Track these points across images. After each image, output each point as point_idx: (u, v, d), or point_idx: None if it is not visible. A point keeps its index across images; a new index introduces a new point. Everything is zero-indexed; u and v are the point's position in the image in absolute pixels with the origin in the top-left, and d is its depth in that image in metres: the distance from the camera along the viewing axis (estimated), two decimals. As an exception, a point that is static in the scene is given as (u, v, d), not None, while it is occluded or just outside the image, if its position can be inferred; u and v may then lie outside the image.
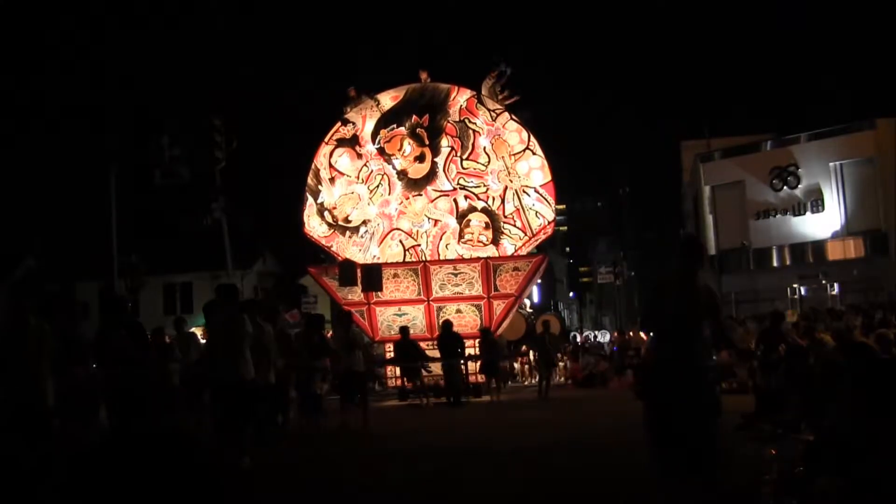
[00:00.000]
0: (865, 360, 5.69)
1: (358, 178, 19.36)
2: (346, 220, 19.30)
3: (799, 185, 28.33)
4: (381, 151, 19.34)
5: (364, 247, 19.12)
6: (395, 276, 18.24)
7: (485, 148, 18.87)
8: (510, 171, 18.71)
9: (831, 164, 27.81)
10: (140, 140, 21.21)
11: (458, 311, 18.25)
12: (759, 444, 6.48)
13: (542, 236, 18.95)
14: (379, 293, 18.18)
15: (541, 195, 18.54)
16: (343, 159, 19.51)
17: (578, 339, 29.39)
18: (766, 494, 4.72)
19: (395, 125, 19.35)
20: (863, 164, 27.50)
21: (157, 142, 20.05)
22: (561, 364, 22.99)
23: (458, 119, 19.10)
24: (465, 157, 18.95)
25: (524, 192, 18.57)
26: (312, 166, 19.47)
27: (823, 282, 27.76)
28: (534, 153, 18.71)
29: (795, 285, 28.66)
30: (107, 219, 21.19)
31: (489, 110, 18.96)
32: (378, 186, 19.25)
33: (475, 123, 19.00)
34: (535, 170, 18.67)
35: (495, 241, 18.64)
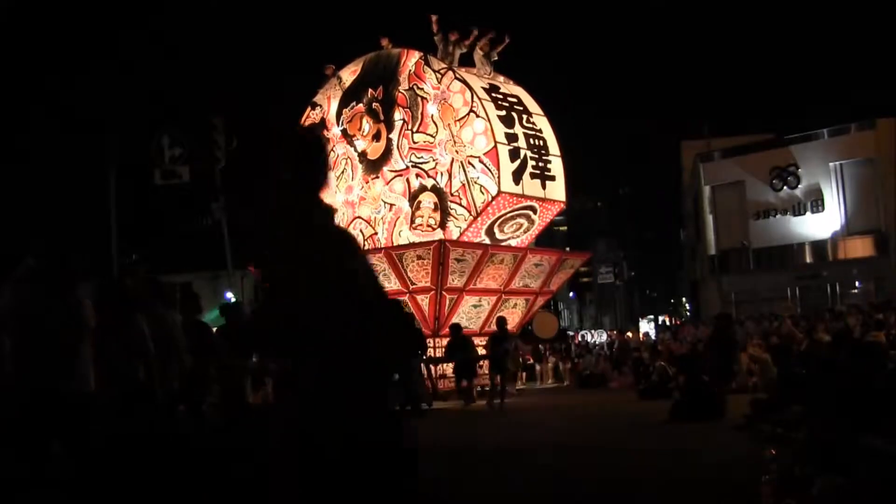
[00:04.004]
0: (866, 360, 5.69)
1: None
2: None
3: (799, 185, 28.36)
4: (344, 133, 17.55)
5: None
6: None
7: (433, 116, 16.21)
8: (455, 139, 15.87)
9: (831, 164, 27.85)
10: (140, 140, 21.20)
11: None
12: (759, 444, 6.47)
13: (492, 213, 15.88)
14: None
15: (485, 165, 15.59)
16: (313, 146, 18.18)
17: (576, 339, 29.28)
18: (766, 494, 4.71)
19: (354, 102, 17.42)
20: (863, 164, 27.54)
21: (157, 142, 20.04)
22: (549, 364, 21.47)
23: (408, 87, 16.58)
24: (415, 129, 16.41)
25: (469, 163, 15.75)
26: None
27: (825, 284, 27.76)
28: (478, 115, 15.66)
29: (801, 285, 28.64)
30: (107, 219, 21.18)
31: (434, 71, 16.34)
32: (343, 172, 17.48)
33: (423, 89, 16.41)
34: (478, 135, 15.70)
35: (443, 224, 15.93)
